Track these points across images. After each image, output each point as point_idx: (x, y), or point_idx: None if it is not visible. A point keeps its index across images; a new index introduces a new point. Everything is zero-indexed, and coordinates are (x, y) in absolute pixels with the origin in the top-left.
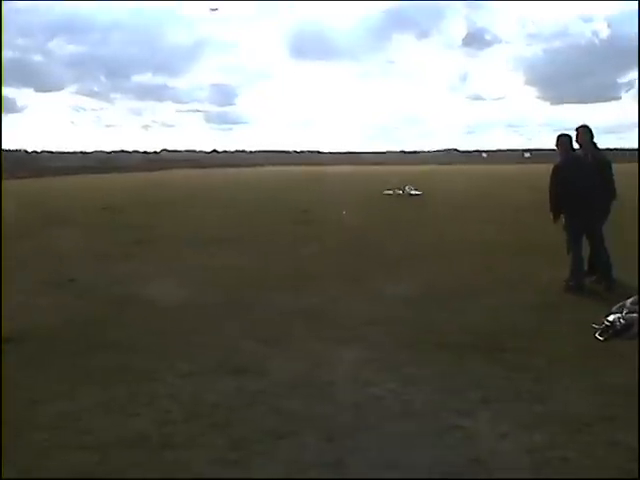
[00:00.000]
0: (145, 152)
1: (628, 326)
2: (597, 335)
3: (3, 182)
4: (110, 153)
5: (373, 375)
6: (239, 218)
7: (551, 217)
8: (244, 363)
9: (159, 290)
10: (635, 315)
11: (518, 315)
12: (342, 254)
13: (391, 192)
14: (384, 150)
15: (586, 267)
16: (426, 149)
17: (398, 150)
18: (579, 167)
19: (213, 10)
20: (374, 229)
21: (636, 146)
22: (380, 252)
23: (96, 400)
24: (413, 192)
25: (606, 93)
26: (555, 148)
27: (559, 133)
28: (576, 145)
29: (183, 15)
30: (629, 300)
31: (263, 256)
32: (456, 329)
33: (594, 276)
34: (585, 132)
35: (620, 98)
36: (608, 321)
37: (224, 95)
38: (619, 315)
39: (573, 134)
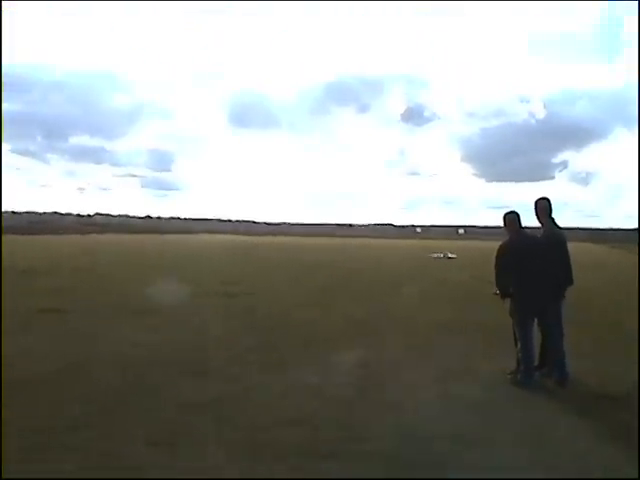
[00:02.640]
0: (78, 215)
1: None
2: None
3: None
4: (42, 214)
5: None
6: (162, 287)
7: (499, 296)
8: (125, 475)
9: (47, 373)
10: None
11: (462, 418)
12: (266, 332)
13: (436, 255)
14: (319, 222)
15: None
16: (361, 222)
17: (333, 223)
18: (530, 246)
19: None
20: (304, 303)
21: (568, 225)
22: (308, 330)
23: None
24: (450, 256)
25: (540, 173)
26: (502, 225)
27: (507, 211)
28: (534, 219)
29: (122, 79)
30: None
31: (178, 332)
32: (391, 435)
33: (544, 368)
34: (545, 205)
35: (554, 178)
36: None
37: (161, 161)
38: None
39: (524, 210)
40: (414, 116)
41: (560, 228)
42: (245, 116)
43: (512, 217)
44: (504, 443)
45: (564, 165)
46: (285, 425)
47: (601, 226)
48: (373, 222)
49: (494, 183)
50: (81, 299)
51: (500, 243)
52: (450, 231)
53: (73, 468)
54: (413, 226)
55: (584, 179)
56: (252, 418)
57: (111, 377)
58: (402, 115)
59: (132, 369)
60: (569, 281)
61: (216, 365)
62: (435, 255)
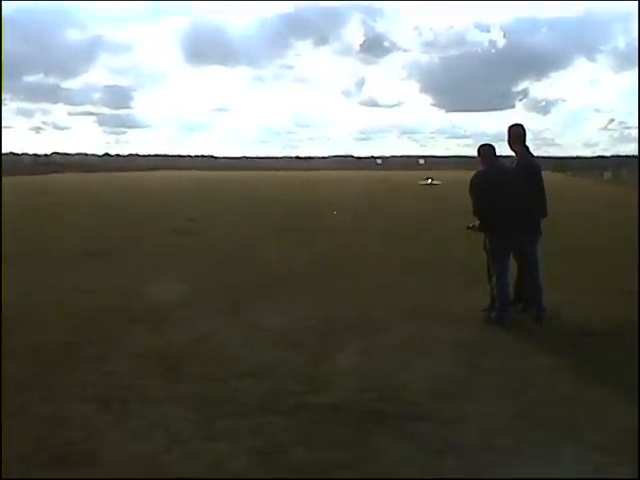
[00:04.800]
0: (35, 155)
1: None
2: None
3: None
4: None
5: (240, 466)
6: (119, 227)
7: (472, 229)
8: (70, 440)
9: None
10: None
11: (433, 360)
12: (224, 273)
13: (424, 182)
14: (279, 155)
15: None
16: (321, 155)
17: (293, 156)
18: (504, 178)
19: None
20: (267, 240)
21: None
22: (268, 269)
23: None
24: (435, 182)
25: (500, 102)
26: (464, 155)
27: (481, 143)
28: (506, 148)
29: (75, 14)
30: None
31: (132, 275)
32: (354, 384)
33: (519, 305)
34: (519, 132)
35: (514, 107)
36: None
37: (118, 98)
38: None
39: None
40: (373, 47)
41: (534, 157)
42: (203, 50)
43: (487, 148)
44: (480, 391)
45: (524, 94)
46: (244, 377)
47: (560, 154)
48: (333, 154)
49: (454, 113)
50: (27, 242)
51: (472, 174)
52: (411, 161)
53: (14, 439)
54: (373, 157)
55: (544, 108)
56: (207, 369)
57: (60, 329)
58: (361, 46)
59: (78, 318)
60: (543, 213)
61: (172, 311)
62: (422, 182)
